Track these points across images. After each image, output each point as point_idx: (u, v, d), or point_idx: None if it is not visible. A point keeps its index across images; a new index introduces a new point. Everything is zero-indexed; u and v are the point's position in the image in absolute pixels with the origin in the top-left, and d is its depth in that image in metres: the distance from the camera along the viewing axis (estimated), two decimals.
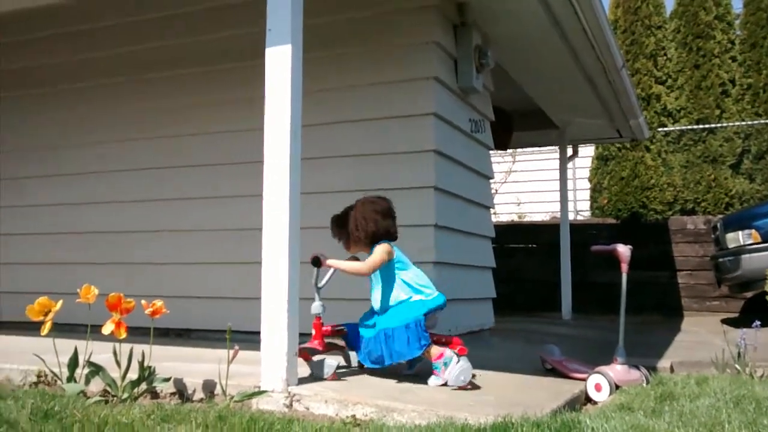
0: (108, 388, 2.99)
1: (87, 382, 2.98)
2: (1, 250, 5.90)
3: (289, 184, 2.99)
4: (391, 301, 3.37)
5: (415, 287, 3.37)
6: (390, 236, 3.44)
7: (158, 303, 2.95)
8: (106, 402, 2.80)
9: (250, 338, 3.32)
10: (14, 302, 5.22)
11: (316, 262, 3.39)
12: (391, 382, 3.25)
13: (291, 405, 2.87)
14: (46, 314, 2.86)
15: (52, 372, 3.09)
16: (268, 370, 2.94)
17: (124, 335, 2.88)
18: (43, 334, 2.86)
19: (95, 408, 2.52)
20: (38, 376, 3.30)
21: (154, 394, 3.06)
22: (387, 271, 3.38)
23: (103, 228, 5.54)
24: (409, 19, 4.68)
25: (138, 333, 2.97)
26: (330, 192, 4.61)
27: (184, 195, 5.28)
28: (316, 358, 3.28)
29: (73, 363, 3.02)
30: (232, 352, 2.89)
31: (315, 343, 3.35)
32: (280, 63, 3.04)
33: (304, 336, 3.15)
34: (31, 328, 5.03)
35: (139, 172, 5.47)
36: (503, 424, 2.34)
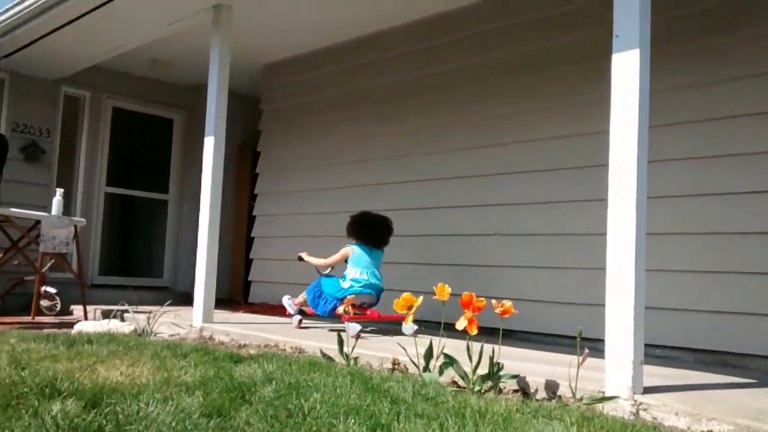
0: (457, 380, 3.22)
1: (440, 372, 3.24)
2: None
3: (636, 191, 2.96)
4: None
5: (350, 279, 5.19)
6: (364, 241, 5.31)
7: (507, 303, 3.10)
8: (457, 392, 3.01)
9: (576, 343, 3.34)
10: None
11: (300, 259, 5.60)
12: (742, 399, 3.05)
13: (637, 413, 2.83)
14: (409, 308, 3.19)
15: (412, 361, 3.41)
16: (612, 376, 2.94)
17: (475, 332, 3.08)
18: (405, 324, 3.18)
19: (460, 396, 2.74)
20: (393, 363, 3.68)
21: (498, 390, 3.23)
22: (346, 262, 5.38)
23: (443, 231, 5.94)
24: None
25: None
26: (668, 197, 4.46)
27: (514, 200, 5.47)
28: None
29: (428, 354, 3.32)
30: (582, 355, 2.94)
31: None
32: (627, 68, 3.01)
33: None
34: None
35: (476, 179, 5.79)
36: None
